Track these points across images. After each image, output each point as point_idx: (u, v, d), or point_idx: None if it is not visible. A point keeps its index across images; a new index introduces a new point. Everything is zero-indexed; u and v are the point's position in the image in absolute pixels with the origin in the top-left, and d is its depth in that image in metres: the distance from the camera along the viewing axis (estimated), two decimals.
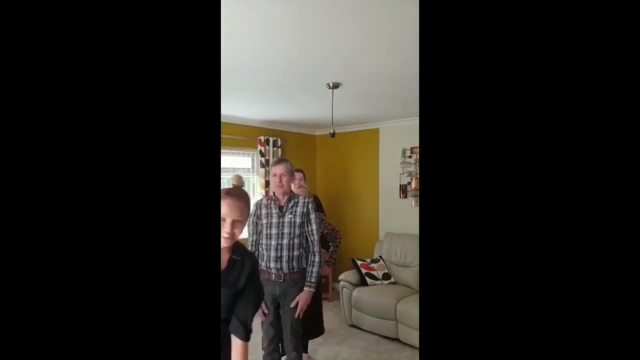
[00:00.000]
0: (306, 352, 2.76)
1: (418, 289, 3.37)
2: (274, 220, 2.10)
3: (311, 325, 2.62)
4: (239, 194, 1.28)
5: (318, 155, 4.90)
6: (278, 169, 2.10)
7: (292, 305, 2.04)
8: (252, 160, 4.15)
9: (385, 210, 4.21)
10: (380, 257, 3.81)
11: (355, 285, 3.52)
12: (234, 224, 1.20)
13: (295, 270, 2.10)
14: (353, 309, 3.45)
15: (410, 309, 3.00)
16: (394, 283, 3.61)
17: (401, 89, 2.67)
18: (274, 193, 2.16)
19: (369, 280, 3.54)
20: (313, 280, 2.07)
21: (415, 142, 3.87)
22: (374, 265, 3.68)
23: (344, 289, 3.55)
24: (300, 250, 2.12)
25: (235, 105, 3.22)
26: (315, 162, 4.88)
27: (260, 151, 4.04)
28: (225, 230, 1.20)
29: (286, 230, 2.08)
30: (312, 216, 2.11)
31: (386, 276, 3.62)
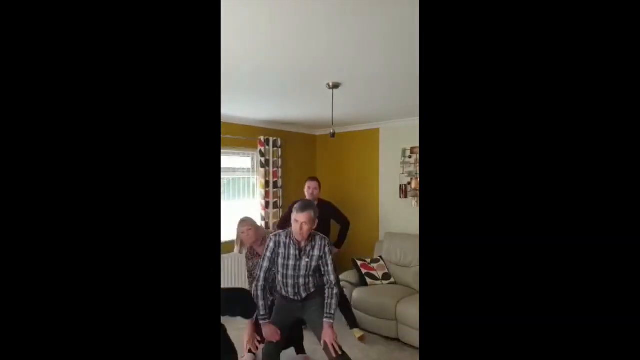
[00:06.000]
0: (304, 352, 2.76)
1: (418, 289, 3.37)
2: (291, 262, 2.13)
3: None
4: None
5: (318, 155, 4.90)
6: (301, 217, 2.04)
7: (323, 346, 2.05)
8: (252, 160, 4.15)
9: (385, 210, 4.21)
10: (380, 257, 3.81)
11: (355, 286, 3.52)
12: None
13: (312, 291, 2.21)
14: (353, 309, 3.45)
15: (410, 309, 2.99)
16: (394, 283, 3.60)
17: (401, 89, 2.67)
18: (290, 232, 2.14)
19: (369, 280, 3.53)
20: (332, 312, 2.10)
21: (415, 142, 3.87)
22: (374, 265, 3.68)
23: (344, 289, 3.55)
24: (315, 279, 2.22)
25: (235, 105, 3.22)
26: (315, 162, 4.88)
27: (260, 151, 4.05)
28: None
29: (302, 273, 2.14)
30: (329, 258, 2.17)
31: (386, 276, 3.62)
